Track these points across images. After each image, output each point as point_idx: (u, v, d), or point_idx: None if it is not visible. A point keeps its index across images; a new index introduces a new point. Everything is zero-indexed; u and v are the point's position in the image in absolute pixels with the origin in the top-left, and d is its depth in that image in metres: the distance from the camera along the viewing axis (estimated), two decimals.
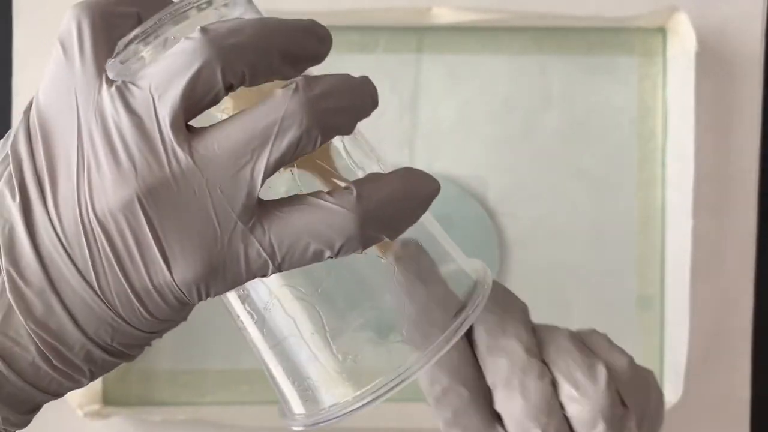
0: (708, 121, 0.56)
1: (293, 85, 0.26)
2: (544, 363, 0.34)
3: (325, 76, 0.27)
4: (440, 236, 0.34)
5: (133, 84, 0.26)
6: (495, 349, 0.34)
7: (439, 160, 0.57)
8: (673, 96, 0.57)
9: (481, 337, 0.34)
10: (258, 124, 0.26)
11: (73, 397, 0.54)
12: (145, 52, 0.27)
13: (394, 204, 0.28)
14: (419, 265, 0.32)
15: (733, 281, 0.57)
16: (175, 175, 0.26)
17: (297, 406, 0.32)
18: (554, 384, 0.33)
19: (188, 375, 0.56)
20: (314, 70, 0.29)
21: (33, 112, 0.27)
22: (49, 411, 0.55)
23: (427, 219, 0.34)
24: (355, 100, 0.27)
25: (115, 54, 0.27)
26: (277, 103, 0.26)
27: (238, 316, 0.32)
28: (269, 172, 0.26)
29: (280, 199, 0.27)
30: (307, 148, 0.26)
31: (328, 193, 0.27)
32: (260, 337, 0.32)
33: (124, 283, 0.27)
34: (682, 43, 0.55)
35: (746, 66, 0.57)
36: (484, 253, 0.57)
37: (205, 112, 0.27)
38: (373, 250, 0.30)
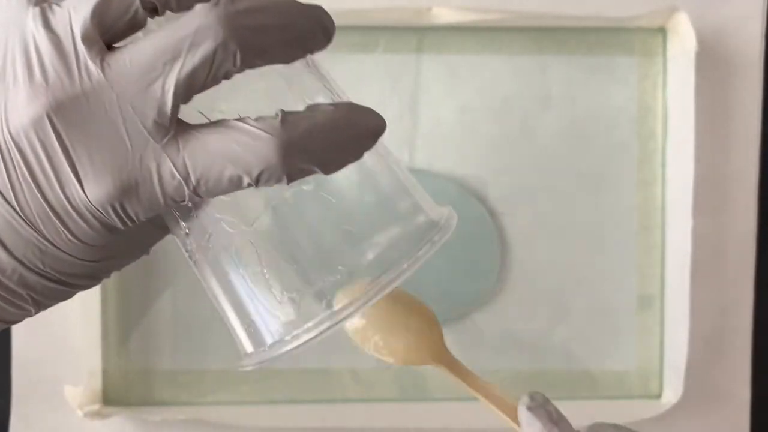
0: (708, 121, 0.56)
1: (213, 1, 0.25)
2: None
3: None
4: (405, 178, 0.33)
5: (56, 4, 0.26)
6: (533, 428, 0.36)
7: (439, 160, 0.57)
8: (673, 96, 0.57)
9: None
10: (171, 38, 0.25)
11: (73, 397, 0.54)
12: None
13: (326, 134, 0.26)
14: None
15: (733, 281, 0.57)
16: (85, 91, 0.25)
17: (247, 345, 0.31)
18: None
19: (188, 375, 0.56)
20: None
21: None
22: (49, 411, 0.55)
23: (392, 159, 0.33)
24: (289, 23, 0.26)
25: None
26: (193, 16, 0.25)
27: (188, 248, 0.31)
28: (181, 88, 0.25)
29: (201, 123, 0.26)
30: (225, 65, 0.25)
31: (254, 119, 0.26)
32: (208, 272, 0.31)
33: (42, 201, 0.26)
34: (682, 43, 0.55)
35: (746, 66, 0.57)
36: (485, 252, 0.57)
37: None
38: None
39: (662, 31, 0.57)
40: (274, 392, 0.57)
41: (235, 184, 0.26)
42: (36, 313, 0.30)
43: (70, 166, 0.26)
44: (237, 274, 0.30)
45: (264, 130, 0.25)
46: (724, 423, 0.58)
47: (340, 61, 0.56)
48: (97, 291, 0.54)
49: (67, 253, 0.27)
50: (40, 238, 0.27)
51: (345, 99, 0.31)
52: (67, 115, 0.25)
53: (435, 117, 0.57)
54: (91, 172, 0.26)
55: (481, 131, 0.57)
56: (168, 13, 0.26)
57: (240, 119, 0.26)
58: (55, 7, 0.26)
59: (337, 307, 0.30)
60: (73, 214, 0.26)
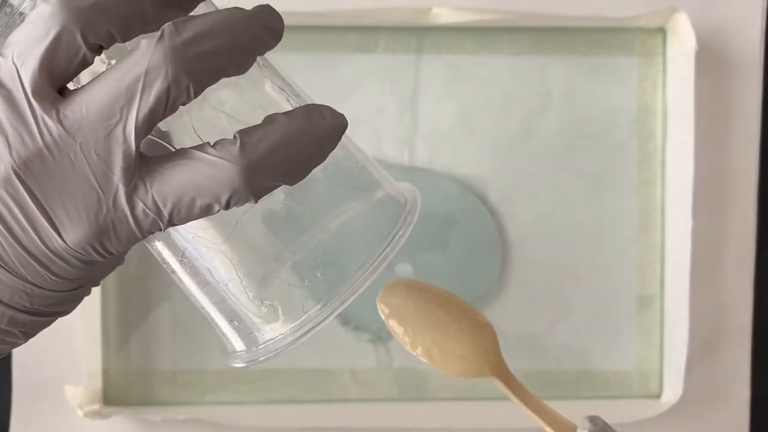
0: (707, 121, 0.56)
1: (158, 33, 0.25)
2: None
3: (198, 16, 0.26)
4: (369, 164, 0.33)
5: (1, 54, 0.26)
6: None
7: (438, 160, 0.57)
8: (673, 96, 0.57)
9: None
10: (123, 81, 0.25)
11: (73, 397, 0.54)
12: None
13: (285, 149, 0.26)
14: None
15: (732, 281, 0.57)
16: (48, 145, 0.25)
17: (237, 343, 0.32)
18: None
19: (188, 375, 0.56)
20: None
21: None
22: (49, 411, 0.55)
23: (353, 146, 0.33)
24: (237, 39, 0.26)
25: None
26: (140, 56, 0.25)
27: (165, 261, 0.31)
28: (142, 130, 0.25)
29: (163, 155, 0.26)
30: (180, 99, 0.25)
31: (212, 145, 0.26)
32: (188, 279, 0.31)
33: (21, 251, 0.27)
34: (682, 43, 0.55)
35: (746, 66, 0.57)
36: (487, 252, 0.57)
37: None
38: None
39: (662, 31, 0.57)
40: (274, 392, 0.57)
41: (207, 212, 0.27)
42: (25, 342, 0.30)
43: (45, 218, 0.26)
44: (215, 284, 0.30)
45: (224, 158, 0.26)
46: (724, 422, 0.58)
47: (340, 61, 0.56)
48: (97, 291, 0.54)
49: (51, 290, 0.28)
50: (25, 284, 0.27)
51: (302, 94, 0.32)
52: (35, 170, 0.25)
53: (435, 117, 0.57)
54: (67, 221, 0.26)
55: (480, 131, 0.57)
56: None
57: (199, 147, 0.26)
58: (0, 58, 0.26)
59: (330, 295, 0.30)
60: (54, 258, 0.27)
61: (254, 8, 0.27)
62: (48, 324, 0.30)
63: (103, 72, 0.26)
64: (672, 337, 0.57)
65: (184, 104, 0.26)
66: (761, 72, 0.57)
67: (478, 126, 0.57)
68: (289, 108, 0.28)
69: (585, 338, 0.57)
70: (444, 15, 0.55)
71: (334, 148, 0.28)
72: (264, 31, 0.27)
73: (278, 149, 0.26)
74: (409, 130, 0.57)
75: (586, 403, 0.57)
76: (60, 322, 0.55)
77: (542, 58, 0.57)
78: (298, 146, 0.27)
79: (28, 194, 0.26)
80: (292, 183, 0.27)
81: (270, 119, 0.27)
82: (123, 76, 0.25)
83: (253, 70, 0.28)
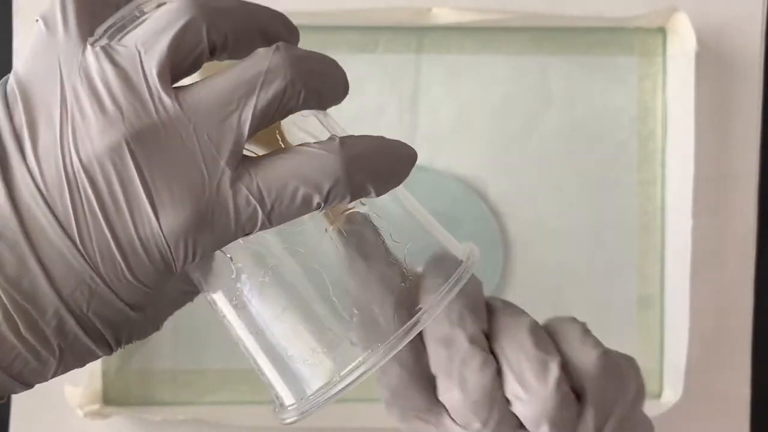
0: (708, 121, 0.56)
1: (274, 46, 0.27)
2: (494, 353, 0.33)
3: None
4: (420, 216, 0.34)
5: (118, 44, 0.26)
6: (436, 337, 0.33)
7: (438, 161, 0.57)
8: (673, 96, 0.57)
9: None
10: (244, 75, 0.26)
11: (73, 397, 0.54)
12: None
13: (378, 154, 0.28)
14: (362, 240, 0.31)
15: (733, 281, 0.57)
16: (162, 121, 0.25)
17: (287, 398, 0.32)
18: (501, 375, 0.32)
19: (188, 375, 0.56)
20: None
21: (11, 80, 0.27)
22: (49, 411, 0.55)
23: (407, 199, 0.34)
24: (332, 72, 0.29)
25: (93, 41, 0.27)
26: (260, 58, 0.27)
27: (222, 310, 0.31)
28: (256, 121, 0.26)
29: (265, 154, 0.28)
30: (291, 102, 0.27)
31: (315, 143, 0.28)
32: (246, 323, 0.31)
33: (107, 233, 0.26)
34: (682, 43, 0.55)
35: (746, 66, 0.57)
36: (489, 253, 0.57)
37: None
38: (321, 220, 0.30)
39: (662, 31, 0.57)
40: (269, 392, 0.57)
41: (307, 204, 0.27)
42: (51, 376, 0.29)
43: (146, 195, 0.25)
44: (296, 310, 0.31)
45: (327, 150, 0.27)
46: (724, 422, 0.58)
47: (340, 61, 0.56)
48: None
49: (116, 293, 0.27)
50: (94, 275, 0.26)
51: None
52: (145, 143, 0.25)
53: (435, 117, 0.57)
54: (169, 201, 0.25)
55: (480, 131, 0.57)
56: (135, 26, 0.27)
57: (301, 144, 0.27)
58: (117, 47, 0.26)
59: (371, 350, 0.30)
60: (138, 248, 0.26)
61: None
62: (83, 359, 0.29)
63: (220, 71, 0.27)
64: (672, 336, 0.57)
65: (287, 115, 0.27)
66: (761, 72, 0.57)
67: (477, 126, 0.57)
68: None
69: None
70: (444, 15, 0.55)
71: (409, 173, 0.30)
72: (344, 80, 0.30)
73: (372, 153, 0.28)
74: (409, 130, 0.57)
75: None
76: None
77: (542, 58, 0.57)
78: (386, 157, 0.29)
79: (135, 167, 0.25)
80: (378, 192, 0.28)
81: (361, 135, 0.29)
82: (244, 72, 0.26)
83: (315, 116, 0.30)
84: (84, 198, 0.25)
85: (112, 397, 0.56)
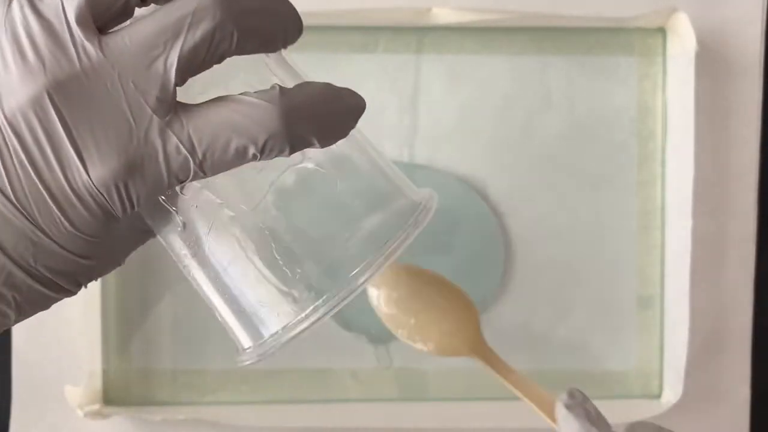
0: (708, 121, 0.56)
1: None
2: None
3: None
4: (385, 164, 0.34)
5: None
6: None
7: (438, 160, 0.57)
8: (673, 96, 0.57)
9: None
10: (169, 18, 0.25)
11: (74, 397, 0.54)
12: None
13: (321, 104, 0.27)
14: (310, 194, 0.31)
15: (732, 281, 0.57)
16: (85, 70, 0.25)
17: (245, 340, 0.32)
18: None
19: (188, 375, 0.56)
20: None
21: None
22: (49, 411, 0.55)
23: (371, 145, 0.34)
24: (274, 8, 0.27)
25: None
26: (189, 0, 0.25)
27: (180, 253, 0.31)
28: (183, 65, 0.25)
29: (202, 102, 0.27)
30: (222, 45, 0.26)
31: (253, 92, 0.27)
32: (201, 269, 0.31)
33: (40, 186, 0.25)
34: (682, 43, 0.55)
35: (746, 66, 0.57)
36: (490, 253, 0.57)
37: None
38: (268, 172, 0.30)
39: (662, 32, 0.57)
40: (274, 392, 0.57)
41: (241, 156, 0.26)
42: (14, 323, 0.29)
43: (72, 146, 0.25)
44: (243, 261, 0.30)
45: (265, 100, 0.26)
46: (724, 423, 0.58)
47: (340, 61, 0.56)
48: (97, 290, 0.54)
49: (60, 245, 0.27)
50: (35, 229, 0.26)
51: None
52: (68, 93, 0.25)
53: (435, 117, 0.57)
54: (95, 151, 0.25)
55: (480, 131, 0.57)
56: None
57: (241, 93, 0.26)
58: None
59: (341, 282, 0.30)
60: (73, 198, 0.26)
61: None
62: (43, 304, 0.29)
63: (150, 14, 0.26)
64: (672, 337, 0.57)
65: (220, 60, 0.26)
66: (761, 72, 0.57)
67: (477, 126, 0.57)
68: None
69: (585, 338, 0.58)
70: (444, 15, 0.55)
71: (355, 124, 0.29)
72: (295, 17, 0.28)
73: (315, 103, 0.27)
74: (409, 130, 0.57)
75: None
76: (60, 321, 0.55)
77: (542, 58, 0.57)
78: (331, 107, 0.28)
79: (58, 118, 0.25)
80: (322, 143, 0.27)
81: (304, 83, 0.27)
82: (170, 14, 0.25)
83: (275, 62, 0.29)
84: (12, 152, 0.25)
85: (112, 397, 0.56)
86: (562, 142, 0.57)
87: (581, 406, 0.36)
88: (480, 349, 0.39)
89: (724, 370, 0.58)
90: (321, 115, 0.27)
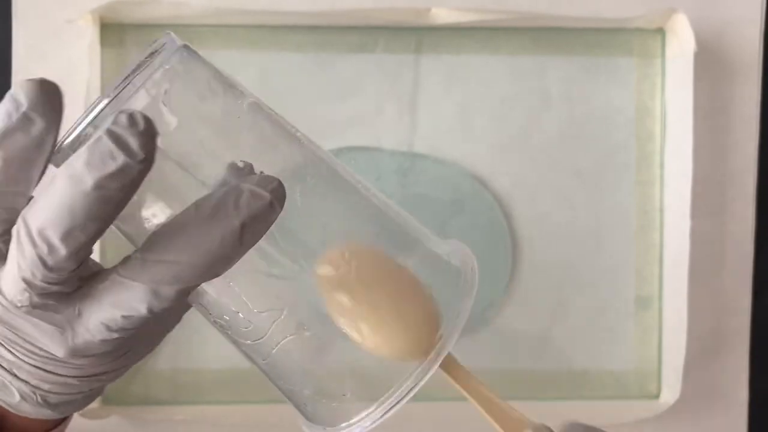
0: (706, 122, 0.56)
1: (16, 235, 0.28)
2: None
3: (40, 201, 0.28)
4: (409, 226, 0.34)
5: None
6: None
7: (438, 161, 0.57)
8: (672, 97, 0.57)
9: None
10: (13, 275, 0.29)
11: None
12: None
13: (188, 255, 0.28)
14: None
15: (731, 281, 0.57)
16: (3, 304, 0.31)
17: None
18: None
19: (188, 375, 0.56)
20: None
21: None
22: None
23: (391, 209, 0.34)
24: (82, 215, 0.27)
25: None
26: (12, 259, 0.29)
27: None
28: (43, 297, 0.29)
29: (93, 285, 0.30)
30: (63, 277, 0.29)
31: (121, 265, 0.30)
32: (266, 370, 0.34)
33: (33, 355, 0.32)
34: (681, 44, 0.55)
35: (745, 67, 0.57)
36: (497, 249, 0.57)
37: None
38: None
39: (661, 32, 0.57)
40: (274, 392, 0.57)
41: (134, 321, 0.30)
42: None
43: (31, 344, 0.31)
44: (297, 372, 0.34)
45: (128, 278, 0.29)
46: (722, 423, 0.58)
47: (339, 61, 0.56)
48: None
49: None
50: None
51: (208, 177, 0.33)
52: (5, 320, 0.31)
53: (434, 117, 0.57)
54: (47, 345, 0.31)
55: (479, 131, 0.57)
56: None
57: (112, 269, 0.30)
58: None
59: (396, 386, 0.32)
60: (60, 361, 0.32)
61: (78, 166, 0.27)
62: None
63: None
64: (670, 337, 0.57)
65: (74, 273, 0.29)
66: (760, 73, 0.57)
67: (476, 126, 0.57)
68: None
69: (583, 338, 0.58)
70: (443, 15, 0.55)
71: (258, 237, 0.29)
72: (99, 192, 0.27)
73: (179, 260, 0.28)
74: (408, 130, 0.57)
75: (584, 403, 0.57)
76: None
77: (541, 59, 0.57)
78: (200, 253, 0.28)
79: (13, 334, 0.31)
80: (212, 278, 0.29)
81: (175, 225, 0.29)
82: (12, 270, 0.29)
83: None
84: (9, 347, 0.32)
85: (111, 397, 0.56)
86: (560, 142, 0.57)
87: None
88: (436, 356, 0.34)
89: (722, 371, 0.58)
90: (186, 274, 0.29)
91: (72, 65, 0.53)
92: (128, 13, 0.53)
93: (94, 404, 0.54)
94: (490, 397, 0.34)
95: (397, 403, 0.31)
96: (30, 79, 0.28)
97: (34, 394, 0.33)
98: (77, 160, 0.26)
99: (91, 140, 0.26)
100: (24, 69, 0.54)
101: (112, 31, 0.54)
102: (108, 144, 0.26)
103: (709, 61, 0.56)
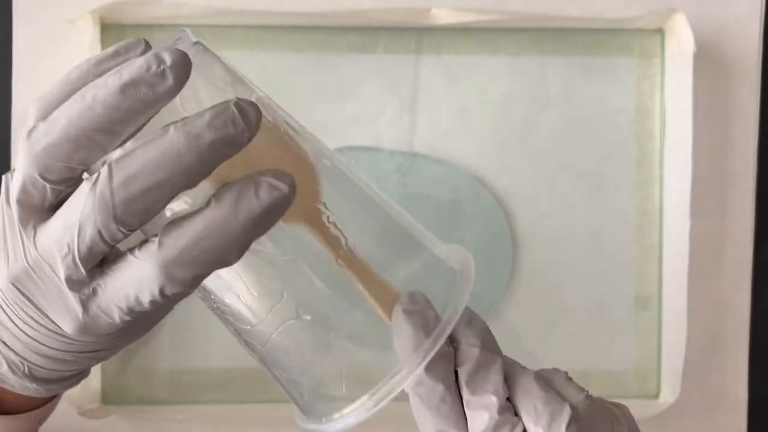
0: (705, 122, 0.57)
1: (94, 178, 0.29)
2: (514, 404, 0.34)
3: (139, 149, 0.29)
4: (411, 227, 0.35)
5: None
6: (474, 402, 0.33)
7: (438, 161, 0.57)
8: (671, 97, 0.57)
9: (462, 382, 0.33)
10: (67, 221, 0.30)
11: (72, 396, 0.54)
12: None
13: (201, 243, 0.29)
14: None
15: (730, 281, 0.57)
16: (30, 264, 0.31)
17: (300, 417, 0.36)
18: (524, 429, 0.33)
19: (188, 374, 0.56)
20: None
21: None
22: None
23: (394, 210, 0.34)
24: (174, 171, 0.29)
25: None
26: (79, 199, 0.29)
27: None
28: (85, 261, 0.30)
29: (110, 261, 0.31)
30: (116, 238, 0.29)
31: (138, 247, 0.30)
32: (262, 356, 0.34)
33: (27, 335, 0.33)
34: (680, 44, 0.55)
35: (744, 67, 0.57)
36: (497, 249, 0.57)
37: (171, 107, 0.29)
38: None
39: (660, 33, 0.57)
40: (274, 392, 0.57)
41: (139, 306, 0.31)
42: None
43: (43, 316, 0.32)
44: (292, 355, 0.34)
45: (144, 259, 0.30)
46: (722, 423, 0.58)
47: (339, 62, 0.56)
48: None
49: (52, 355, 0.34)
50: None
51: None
52: (24, 282, 0.32)
53: (434, 117, 0.57)
54: (57, 317, 0.32)
55: (479, 131, 0.57)
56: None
57: (130, 250, 0.31)
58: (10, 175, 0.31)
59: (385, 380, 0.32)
60: (65, 338, 0.33)
61: (200, 124, 0.29)
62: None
63: (64, 204, 0.30)
64: (670, 337, 0.57)
65: (119, 241, 0.30)
66: (759, 73, 0.57)
67: (476, 126, 0.57)
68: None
69: (583, 338, 0.58)
70: (443, 15, 0.55)
71: (272, 224, 0.30)
72: (212, 149, 0.29)
73: (192, 245, 0.29)
74: (408, 130, 0.57)
75: None
76: None
77: (541, 59, 0.57)
78: (212, 243, 0.29)
79: (25, 298, 0.32)
80: (226, 266, 0.30)
81: (195, 213, 0.30)
82: (66, 218, 0.30)
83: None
84: (8, 310, 0.33)
85: (110, 397, 0.56)
86: (560, 142, 0.57)
87: (421, 312, 0.32)
88: (316, 221, 0.32)
89: (721, 370, 0.58)
90: (200, 259, 0.29)
91: (72, 65, 0.53)
92: (128, 13, 0.53)
93: (94, 404, 0.54)
94: (367, 268, 0.33)
95: (391, 392, 0.31)
96: (178, 48, 0.29)
97: (23, 365, 0.34)
98: (199, 119, 0.28)
99: (218, 106, 0.29)
100: (24, 69, 0.54)
101: (112, 31, 0.54)
102: (234, 112, 0.28)
103: (709, 62, 0.56)
